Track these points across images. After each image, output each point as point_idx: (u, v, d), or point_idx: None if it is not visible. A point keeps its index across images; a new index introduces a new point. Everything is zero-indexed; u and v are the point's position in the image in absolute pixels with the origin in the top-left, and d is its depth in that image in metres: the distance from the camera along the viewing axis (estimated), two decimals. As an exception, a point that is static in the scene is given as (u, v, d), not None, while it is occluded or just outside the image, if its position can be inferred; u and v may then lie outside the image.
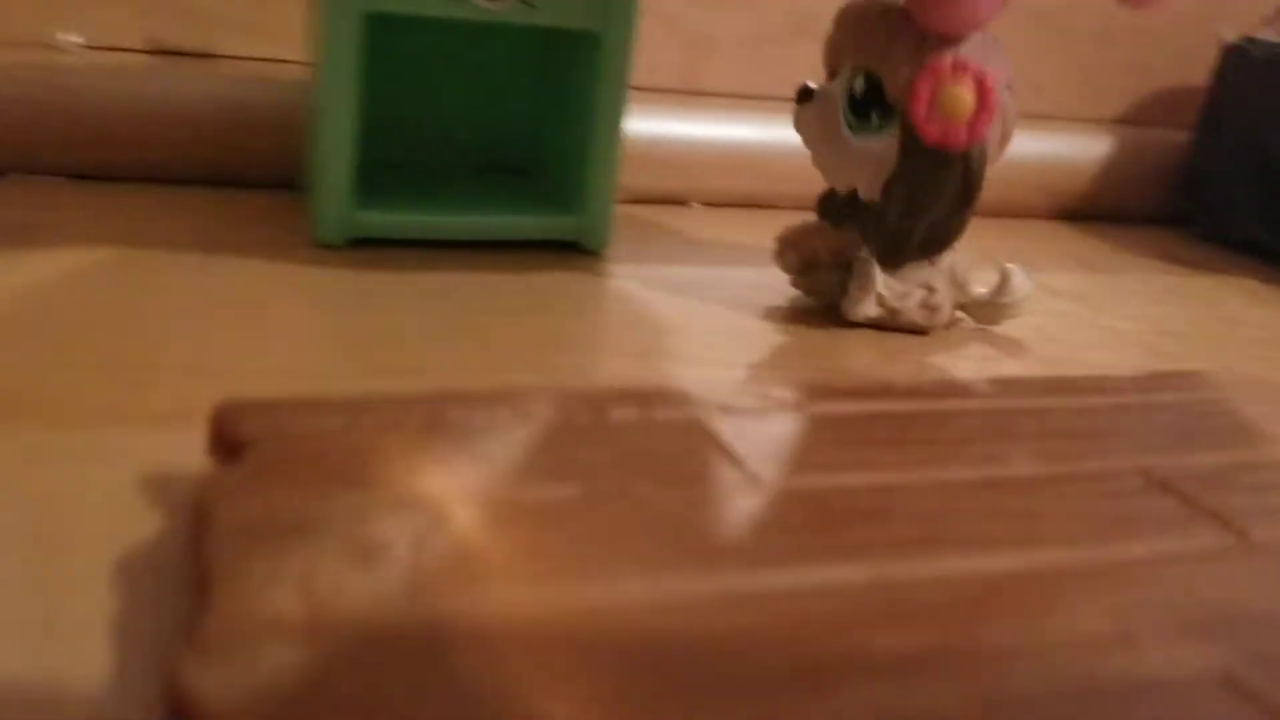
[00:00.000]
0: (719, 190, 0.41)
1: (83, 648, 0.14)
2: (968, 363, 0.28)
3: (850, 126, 0.28)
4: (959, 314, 0.30)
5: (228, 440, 0.16)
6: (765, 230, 0.31)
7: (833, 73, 0.29)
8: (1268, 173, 0.43)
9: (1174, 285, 0.39)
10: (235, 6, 0.38)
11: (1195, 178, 0.47)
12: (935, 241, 0.28)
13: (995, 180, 0.44)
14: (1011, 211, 0.46)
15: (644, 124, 0.38)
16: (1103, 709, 0.12)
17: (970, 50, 0.26)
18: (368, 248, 0.30)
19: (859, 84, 0.27)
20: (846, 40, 0.28)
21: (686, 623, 0.13)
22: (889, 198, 0.28)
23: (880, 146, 0.27)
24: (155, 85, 0.35)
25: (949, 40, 0.26)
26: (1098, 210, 0.48)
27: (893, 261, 0.28)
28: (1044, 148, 0.47)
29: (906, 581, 0.14)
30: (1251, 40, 0.45)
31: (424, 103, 0.36)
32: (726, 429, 0.18)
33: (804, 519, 0.15)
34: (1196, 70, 0.49)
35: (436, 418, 0.17)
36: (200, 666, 0.11)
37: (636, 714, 0.11)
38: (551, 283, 0.30)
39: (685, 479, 0.16)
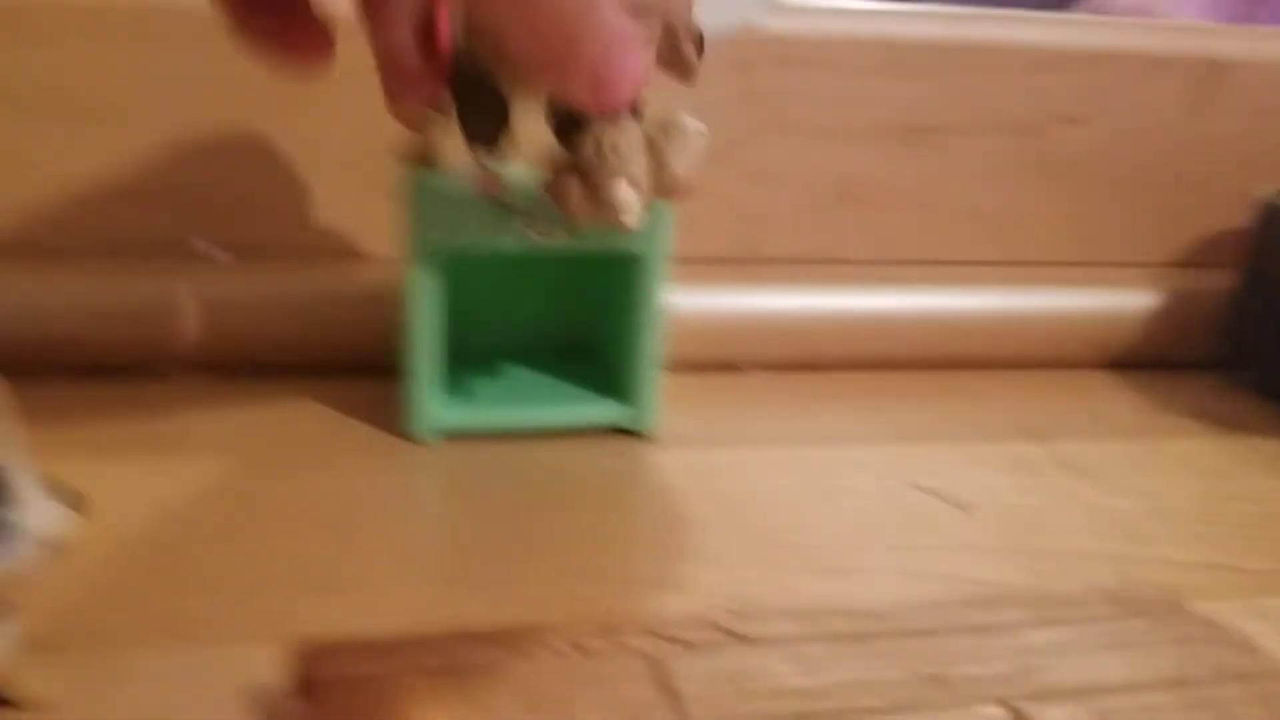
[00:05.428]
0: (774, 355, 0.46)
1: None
2: (946, 555, 0.32)
3: None
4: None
5: (303, 681, 0.23)
6: (811, 397, 0.40)
7: None
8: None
9: (1192, 452, 0.41)
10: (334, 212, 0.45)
11: (1240, 328, 0.49)
12: None
13: (1046, 335, 0.48)
14: (1062, 364, 0.50)
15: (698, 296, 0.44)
16: None
17: None
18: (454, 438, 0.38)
19: None
20: None
21: None
22: None
23: None
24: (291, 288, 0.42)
25: None
26: (1149, 359, 0.50)
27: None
28: (1091, 302, 0.50)
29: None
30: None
31: (494, 297, 0.43)
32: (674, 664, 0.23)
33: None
34: (1235, 213, 0.52)
35: (451, 659, 0.23)
36: None
37: None
38: (609, 470, 0.37)
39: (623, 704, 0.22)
